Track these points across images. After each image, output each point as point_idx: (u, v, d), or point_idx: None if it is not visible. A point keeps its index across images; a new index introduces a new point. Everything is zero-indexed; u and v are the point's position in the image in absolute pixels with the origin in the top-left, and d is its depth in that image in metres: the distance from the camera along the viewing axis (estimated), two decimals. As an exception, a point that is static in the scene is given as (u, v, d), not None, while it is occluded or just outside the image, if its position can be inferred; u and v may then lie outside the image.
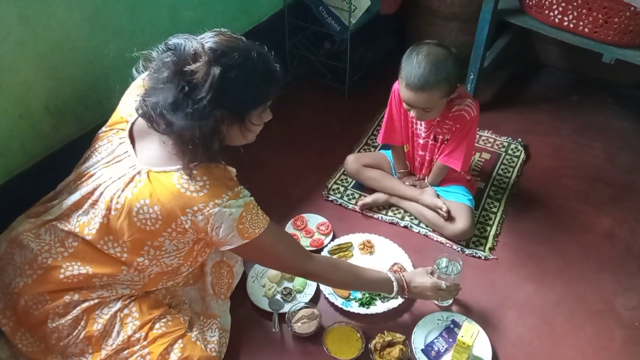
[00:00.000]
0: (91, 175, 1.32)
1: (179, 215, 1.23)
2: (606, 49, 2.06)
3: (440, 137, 1.86)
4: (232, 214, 1.24)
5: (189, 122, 1.16)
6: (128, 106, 1.37)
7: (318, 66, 2.52)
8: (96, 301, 1.32)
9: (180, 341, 1.36)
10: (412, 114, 1.73)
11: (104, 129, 1.41)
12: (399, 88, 1.73)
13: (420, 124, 1.87)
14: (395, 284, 1.54)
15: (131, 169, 1.27)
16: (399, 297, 1.60)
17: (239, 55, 1.18)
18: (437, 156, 1.90)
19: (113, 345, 1.32)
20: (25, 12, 1.41)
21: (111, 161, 1.31)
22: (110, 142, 1.35)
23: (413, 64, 1.64)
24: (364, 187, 2.08)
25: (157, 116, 1.18)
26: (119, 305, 1.34)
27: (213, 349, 1.44)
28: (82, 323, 1.31)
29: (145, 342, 1.33)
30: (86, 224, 1.30)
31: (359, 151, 2.25)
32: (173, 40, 1.19)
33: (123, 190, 1.25)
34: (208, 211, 1.23)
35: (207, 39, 1.20)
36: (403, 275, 1.59)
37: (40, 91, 1.54)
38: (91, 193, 1.30)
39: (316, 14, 2.39)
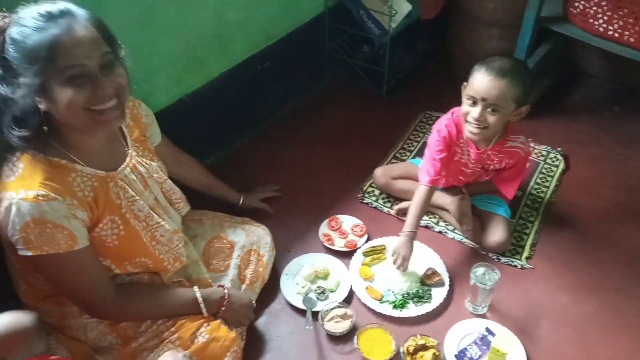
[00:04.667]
0: None
1: None
2: (651, 59, 2.02)
3: (490, 167, 1.84)
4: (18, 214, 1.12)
5: None
6: None
7: (356, 69, 2.53)
8: None
9: (206, 324, 1.39)
10: (472, 113, 1.65)
11: None
12: (471, 80, 1.66)
13: (469, 155, 1.81)
14: (202, 305, 1.41)
15: None
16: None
17: (24, 15, 1.08)
18: (488, 177, 1.91)
19: (143, 335, 1.36)
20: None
21: None
22: None
23: (495, 58, 1.64)
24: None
25: None
26: None
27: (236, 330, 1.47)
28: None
29: (173, 329, 1.37)
30: None
31: (394, 155, 2.25)
32: None
33: None
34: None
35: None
36: (227, 292, 1.48)
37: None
38: None
39: (356, 18, 2.41)
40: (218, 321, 1.42)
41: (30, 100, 1.09)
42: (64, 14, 1.09)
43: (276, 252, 1.79)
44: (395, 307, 1.69)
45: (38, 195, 1.11)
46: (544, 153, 2.27)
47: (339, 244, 1.88)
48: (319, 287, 1.73)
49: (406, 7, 2.26)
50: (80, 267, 1.23)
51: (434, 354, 1.52)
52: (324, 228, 1.93)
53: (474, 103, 1.65)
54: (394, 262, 1.73)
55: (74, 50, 1.07)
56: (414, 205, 1.77)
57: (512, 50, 2.28)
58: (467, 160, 1.83)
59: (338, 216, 1.97)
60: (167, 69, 1.83)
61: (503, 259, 1.84)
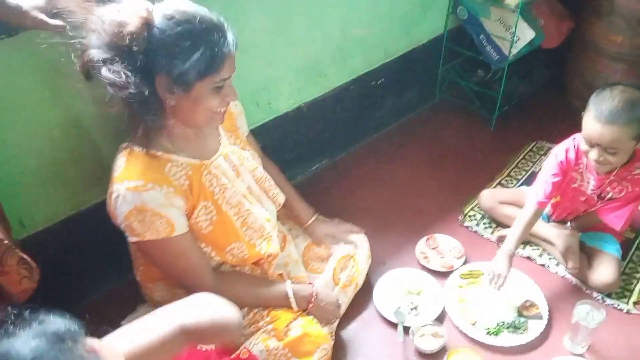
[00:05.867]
0: None
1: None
2: None
3: (609, 196, 1.75)
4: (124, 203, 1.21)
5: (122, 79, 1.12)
6: None
7: (468, 92, 2.54)
8: None
9: (300, 319, 1.45)
10: (591, 156, 1.61)
11: None
12: (584, 121, 1.61)
13: (589, 182, 1.76)
14: (292, 299, 1.47)
15: None
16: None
17: (180, 17, 1.14)
18: (594, 209, 1.81)
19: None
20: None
21: None
22: None
23: (606, 97, 1.55)
24: (500, 221, 2.04)
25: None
26: None
27: (326, 328, 1.52)
28: None
29: (268, 318, 1.44)
30: None
31: (499, 182, 2.23)
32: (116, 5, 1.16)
33: None
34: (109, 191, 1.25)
35: (158, 4, 1.17)
36: (316, 290, 1.53)
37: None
38: None
39: (475, 41, 2.42)
40: (311, 317, 1.48)
41: (163, 96, 1.19)
42: (224, 26, 1.20)
43: (372, 264, 1.82)
44: (489, 333, 1.67)
45: (138, 186, 1.20)
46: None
47: (436, 263, 1.89)
48: (411, 302, 1.76)
49: (529, 34, 2.24)
50: (180, 253, 1.31)
51: (527, 386, 1.50)
52: (421, 246, 1.95)
53: (591, 145, 1.61)
54: (490, 281, 1.72)
55: (231, 64, 1.21)
56: (516, 225, 1.75)
57: (638, 86, 2.18)
58: (585, 188, 1.78)
59: (436, 235, 1.98)
60: (290, 78, 1.95)
61: (609, 301, 1.77)
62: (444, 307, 1.75)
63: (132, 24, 1.11)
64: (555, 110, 2.60)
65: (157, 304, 1.46)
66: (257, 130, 1.68)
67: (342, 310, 1.68)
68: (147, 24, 1.12)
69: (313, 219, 1.80)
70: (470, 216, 2.08)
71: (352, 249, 1.77)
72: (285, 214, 1.78)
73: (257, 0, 1.68)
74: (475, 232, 2.03)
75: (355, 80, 2.19)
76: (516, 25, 2.19)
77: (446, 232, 2.01)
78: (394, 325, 1.70)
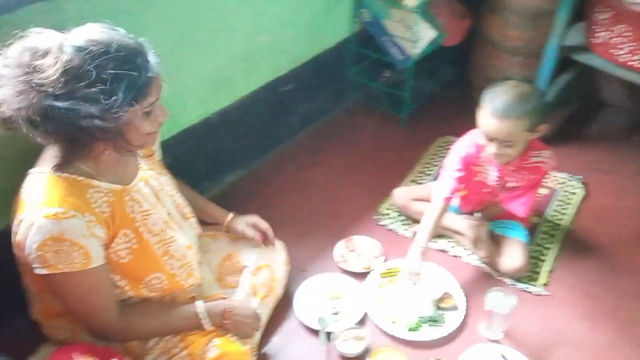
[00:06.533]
0: None
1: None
2: (674, 90, 2.03)
3: (510, 185, 1.83)
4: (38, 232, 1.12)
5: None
6: None
7: (377, 93, 2.58)
8: None
9: (216, 339, 1.39)
10: (490, 150, 1.67)
11: None
12: (479, 116, 1.66)
13: (490, 174, 1.82)
14: (203, 320, 1.40)
15: None
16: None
17: (98, 46, 1.08)
18: (499, 199, 1.88)
19: (151, 352, 1.36)
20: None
21: None
22: None
23: (498, 93, 1.61)
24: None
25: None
26: None
27: (248, 344, 1.47)
28: None
29: (181, 344, 1.37)
30: None
31: (412, 179, 2.28)
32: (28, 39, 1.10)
33: None
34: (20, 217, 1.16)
35: (71, 33, 1.12)
36: (229, 304, 1.48)
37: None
38: None
39: (379, 43, 2.46)
40: (228, 336, 1.42)
41: (116, 126, 1.12)
42: (145, 49, 1.15)
43: (292, 272, 1.81)
44: (409, 329, 1.69)
45: (58, 213, 1.12)
46: (563, 180, 2.27)
47: (355, 265, 1.89)
48: (333, 307, 1.75)
49: (430, 34, 2.30)
50: (91, 287, 1.24)
51: (448, 377, 1.52)
52: (340, 249, 1.95)
53: (489, 140, 1.66)
54: (406, 278, 1.74)
55: (157, 86, 1.17)
56: (425, 221, 1.79)
57: (533, 78, 2.30)
58: (488, 180, 1.84)
59: (354, 237, 1.99)
60: (196, 88, 1.90)
61: (520, 285, 1.84)
62: (365, 308, 1.75)
63: (47, 64, 1.05)
64: (461, 105, 2.67)
65: (60, 344, 1.38)
66: (161, 146, 1.61)
67: (263, 321, 1.63)
68: (63, 57, 1.06)
69: (231, 215, 1.75)
70: (386, 215, 2.11)
71: (268, 258, 1.73)
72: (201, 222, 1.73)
73: (158, 10, 1.62)
74: (392, 230, 2.05)
75: (265, 88, 2.17)
76: (417, 25, 2.25)
77: (364, 233, 2.02)
78: (317, 333, 1.68)
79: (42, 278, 1.19)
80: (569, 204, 2.16)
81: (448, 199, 1.78)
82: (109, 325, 1.31)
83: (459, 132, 1.89)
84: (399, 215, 2.10)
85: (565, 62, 2.37)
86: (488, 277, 1.88)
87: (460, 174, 1.79)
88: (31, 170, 1.21)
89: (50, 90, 1.05)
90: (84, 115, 1.07)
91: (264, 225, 1.76)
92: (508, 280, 1.85)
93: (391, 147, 2.47)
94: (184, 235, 1.44)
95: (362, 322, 1.72)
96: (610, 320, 1.75)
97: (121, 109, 1.09)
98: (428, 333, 1.68)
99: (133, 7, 1.55)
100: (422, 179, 2.28)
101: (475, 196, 1.92)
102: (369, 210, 2.14)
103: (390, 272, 1.86)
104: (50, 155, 1.19)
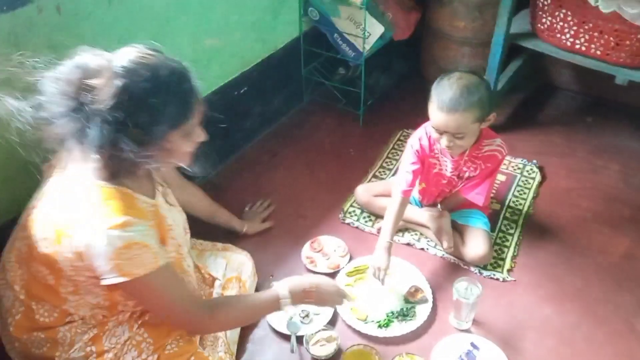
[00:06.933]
0: None
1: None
2: (619, 70, 2.08)
3: (466, 175, 1.84)
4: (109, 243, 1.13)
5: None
6: None
7: (333, 91, 2.56)
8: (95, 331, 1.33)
9: (192, 359, 1.36)
10: (442, 143, 1.68)
11: None
12: (430, 112, 1.67)
13: (446, 165, 1.84)
14: (286, 301, 1.44)
15: None
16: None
17: (147, 71, 1.11)
18: (458, 189, 1.89)
19: None
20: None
21: None
22: None
23: (445, 87, 1.62)
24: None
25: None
26: (129, 333, 1.34)
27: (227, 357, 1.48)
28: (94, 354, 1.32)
29: None
30: None
31: (374, 174, 2.27)
32: (78, 57, 1.13)
33: None
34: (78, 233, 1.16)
35: (119, 55, 1.15)
36: (309, 285, 1.50)
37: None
38: None
39: (331, 41, 2.45)
40: (205, 354, 1.40)
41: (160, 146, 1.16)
42: (189, 74, 1.19)
43: (259, 277, 1.78)
44: (380, 326, 1.68)
45: (125, 222, 1.13)
46: (520, 166, 2.30)
47: (322, 266, 1.88)
48: (303, 310, 1.72)
49: (379, 29, 2.30)
50: (168, 282, 1.25)
51: (420, 371, 1.52)
52: (306, 250, 1.93)
53: (440, 133, 1.67)
54: (374, 275, 1.73)
55: (200, 109, 1.21)
56: (387, 216, 1.79)
57: (484, 67, 2.33)
58: (444, 171, 1.85)
59: (320, 237, 1.97)
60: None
61: (485, 273, 1.85)
62: (335, 309, 1.73)
63: (98, 85, 1.07)
64: (416, 98, 2.66)
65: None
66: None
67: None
68: (113, 79, 1.08)
69: (245, 225, 1.97)
70: (349, 213, 2.10)
71: (236, 269, 1.71)
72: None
73: (94, 17, 1.57)
74: (357, 227, 2.04)
75: (216, 92, 2.12)
76: (365, 21, 2.24)
77: (329, 232, 2.01)
78: (289, 338, 1.65)
79: (113, 287, 1.19)
80: (527, 189, 2.20)
81: (406, 192, 1.79)
82: (196, 317, 1.32)
83: (416, 125, 1.90)
84: (362, 212, 2.09)
85: (514, 49, 2.41)
86: (454, 267, 1.89)
87: (416, 167, 1.80)
88: (59, 179, 1.22)
89: (101, 111, 1.07)
90: (132, 138, 1.11)
91: (268, 210, 2.08)
92: (474, 269, 1.87)
93: (351, 144, 2.46)
94: (188, 251, 1.48)
95: (332, 323, 1.70)
96: (575, 301, 1.78)
97: (164, 132, 1.14)
98: (398, 328, 1.67)
99: (69, 16, 1.49)
100: (383, 174, 2.27)
101: (434, 188, 1.93)
102: (333, 209, 2.12)
103: (357, 270, 1.85)
104: (80, 166, 1.17)
